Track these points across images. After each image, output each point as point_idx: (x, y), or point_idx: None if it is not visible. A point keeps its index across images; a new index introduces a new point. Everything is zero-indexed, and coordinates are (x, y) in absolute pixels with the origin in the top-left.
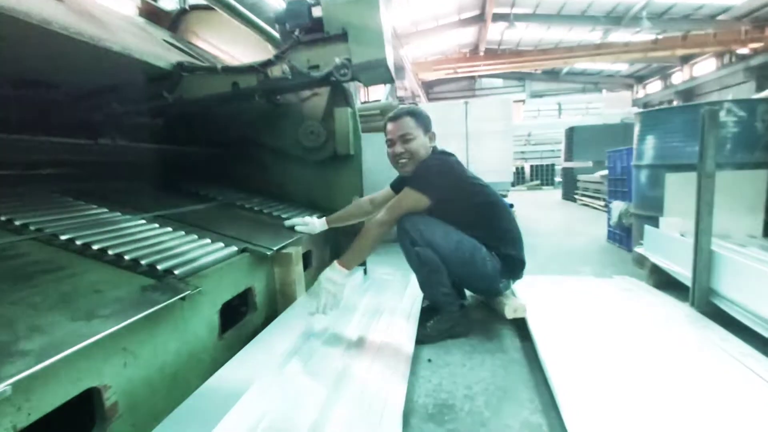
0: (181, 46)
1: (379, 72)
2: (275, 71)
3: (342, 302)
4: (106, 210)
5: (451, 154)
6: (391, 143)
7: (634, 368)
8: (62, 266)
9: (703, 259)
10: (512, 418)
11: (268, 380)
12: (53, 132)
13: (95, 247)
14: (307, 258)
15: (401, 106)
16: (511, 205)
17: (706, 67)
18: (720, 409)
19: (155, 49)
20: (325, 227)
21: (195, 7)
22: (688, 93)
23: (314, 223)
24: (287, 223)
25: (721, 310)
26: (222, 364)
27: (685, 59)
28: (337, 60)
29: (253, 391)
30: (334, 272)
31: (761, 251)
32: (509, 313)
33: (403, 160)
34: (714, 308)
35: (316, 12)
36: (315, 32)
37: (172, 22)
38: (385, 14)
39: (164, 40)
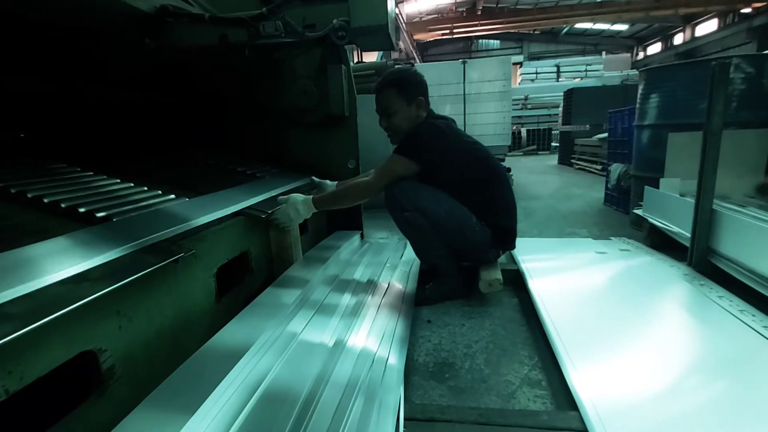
0: None
1: (378, 38)
2: (267, 27)
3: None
4: (91, 173)
5: (445, 118)
6: (379, 116)
7: (633, 323)
8: (46, 228)
9: (704, 218)
10: (512, 375)
11: (269, 339)
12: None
13: (81, 210)
14: (303, 222)
15: (394, 67)
16: (508, 170)
17: (707, 27)
18: (718, 361)
19: None
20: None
21: None
22: (688, 54)
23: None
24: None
25: (719, 270)
26: (221, 328)
27: (687, 19)
28: (335, 22)
29: (254, 350)
30: (303, 203)
31: (762, 211)
32: (484, 288)
33: (390, 133)
34: (712, 268)
35: None
36: None
37: None
38: None
39: None
